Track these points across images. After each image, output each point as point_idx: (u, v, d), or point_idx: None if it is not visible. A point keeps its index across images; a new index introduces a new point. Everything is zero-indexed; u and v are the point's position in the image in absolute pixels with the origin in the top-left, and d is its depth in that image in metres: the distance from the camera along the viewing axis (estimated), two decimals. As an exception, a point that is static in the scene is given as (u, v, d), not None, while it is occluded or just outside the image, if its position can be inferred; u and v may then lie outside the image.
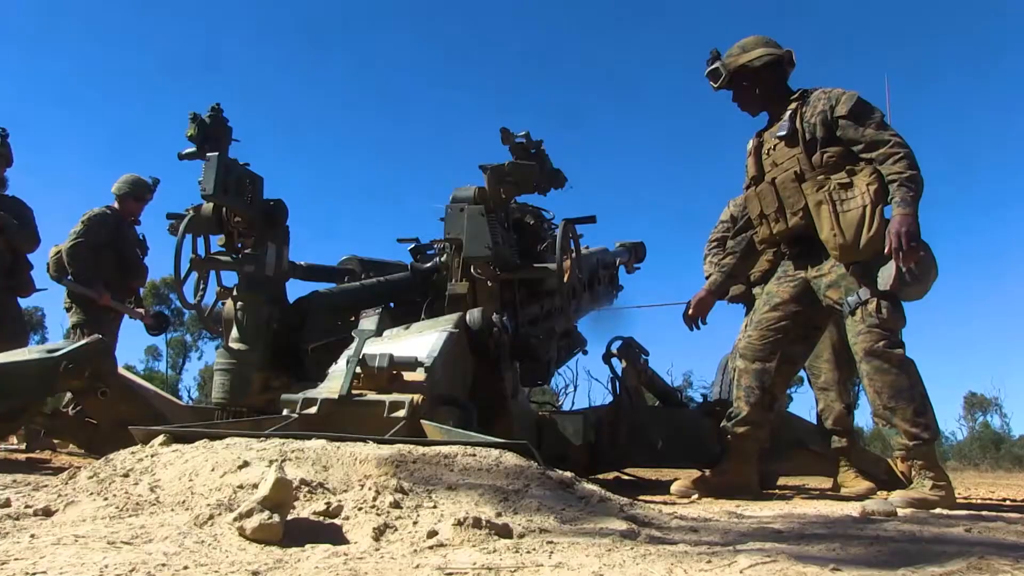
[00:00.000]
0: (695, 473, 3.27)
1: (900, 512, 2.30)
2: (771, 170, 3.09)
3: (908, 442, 2.76)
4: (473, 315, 2.94)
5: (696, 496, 3.03)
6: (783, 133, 3.02)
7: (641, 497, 2.48)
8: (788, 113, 3.04)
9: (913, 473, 2.83)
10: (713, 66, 3.16)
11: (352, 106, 64.89)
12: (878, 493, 3.46)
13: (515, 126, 3.58)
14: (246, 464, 1.68)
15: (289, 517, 1.36)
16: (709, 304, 3.40)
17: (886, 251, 2.74)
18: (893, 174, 2.79)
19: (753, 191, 3.16)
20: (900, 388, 2.76)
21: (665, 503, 2.67)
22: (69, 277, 5.17)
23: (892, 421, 2.78)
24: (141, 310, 5.56)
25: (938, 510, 2.55)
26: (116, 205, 5.43)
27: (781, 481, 4.12)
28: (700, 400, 4.85)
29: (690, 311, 3.37)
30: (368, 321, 2.95)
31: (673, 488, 3.11)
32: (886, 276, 2.77)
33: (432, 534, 1.34)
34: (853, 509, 2.39)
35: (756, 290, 4.10)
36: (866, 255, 2.81)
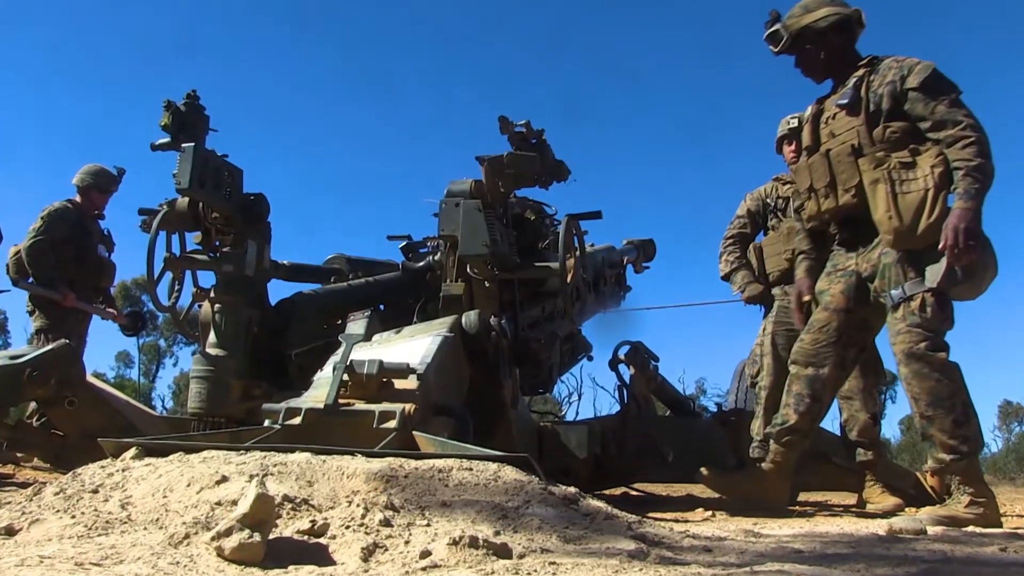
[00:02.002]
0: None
1: (929, 530, 2.30)
2: (827, 141, 3.04)
3: (945, 455, 2.72)
4: (469, 318, 2.94)
5: (710, 515, 3.03)
6: (845, 101, 2.95)
7: (651, 514, 2.49)
8: (853, 80, 2.97)
9: (953, 488, 2.81)
10: (773, 28, 3.08)
11: (339, 93, 64.95)
12: (906, 510, 3.47)
13: (515, 116, 3.58)
14: (224, 479, 1.68)
15: (271, 536, 1.36)
16: (811, 287, 3.26)
17: (940, 247, 2.68)
18: (960, 160, 2.71)
19: (804, 161, 3.12)
20: (940, 396, 2.71)
21: (676, 521, 2.68)
22: (29, 279, 5.17)
23: (929, 431, 2.75)
24: (112, 310, 5.56)
25: (971, 528, 2.54)
26: (78, 198, 5.42)
27: (802, 496, 4.13)
28: (714, 409, 4.87)
29: (806, 297, 3.26)
30: (356, 325, 2.96)
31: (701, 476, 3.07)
32: (935, 272, 2.73)
33: (425, 554, 1.35)
34: (879, 527, 2.39)
35: (776, 291, 4.11)
36: (922, 243, 2.74)
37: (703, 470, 3.13)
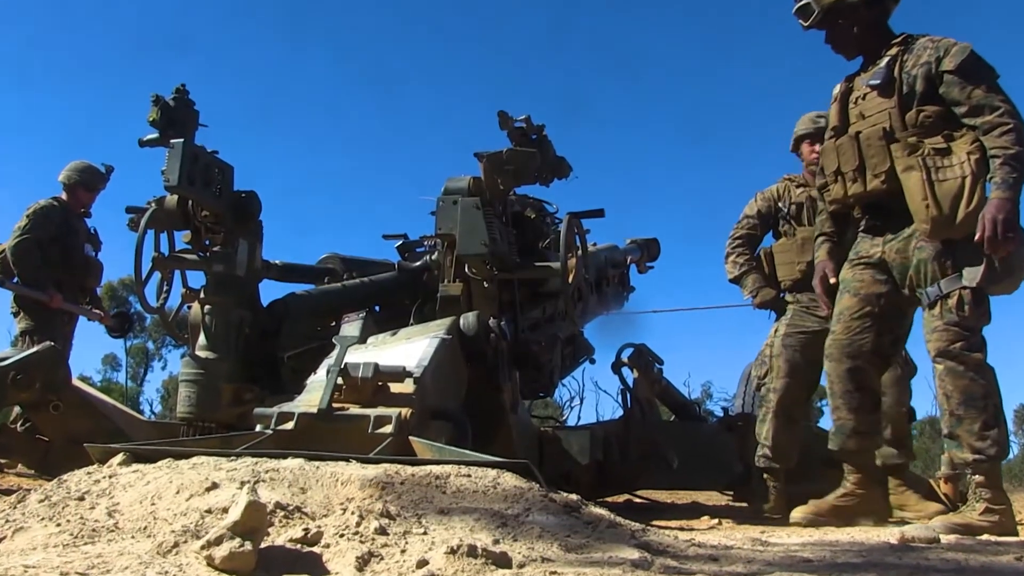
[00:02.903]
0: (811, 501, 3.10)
1: (943, 539, 2.30)
2: (856, 122, 3.02)
3: (969, 456, 2.71)
4: (468, 319, 2.94)
5: (716, 523, 3.02)
6: (877, 81, 2.92)
7: (655, 522, 2.48)
8: (886, 59, 2.95)
9: (969, 492, 2.81)
10: (803, 1, 3.05)
11: (333, 88, 65.00)
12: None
13: (515, 110, 3.58)
14: (215, 486, 1.68)
15: (263, 545, 1.36)
16: (835, 269, 3.19)
17: (976, 237, 2.67)
18: (997, 148, 2.69)
19: (832, 143, 3.09)
20: (973, 395, 2.71)
21: (681, 529, 2.67)
22: (15, 279, 5.17)
23: (956, 431, 2.74)
24: (99, 312, 5.56)
25: (986, 537, 2.54)
26: (64, 196, 5.42)
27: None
28: (720, 414, 4.88)
29: (831, 280, 3.18)
30: (351, 326, 2.95)
31: (795, 515, 2.97)
32: (972, 274, 2.73)
33: (422, 564, 1.34)
34: (890, 535, 2.39)
35: (788, 297, 4.08)
36: (960, 232, 2.72)
37: (796, 512, 3.00)
